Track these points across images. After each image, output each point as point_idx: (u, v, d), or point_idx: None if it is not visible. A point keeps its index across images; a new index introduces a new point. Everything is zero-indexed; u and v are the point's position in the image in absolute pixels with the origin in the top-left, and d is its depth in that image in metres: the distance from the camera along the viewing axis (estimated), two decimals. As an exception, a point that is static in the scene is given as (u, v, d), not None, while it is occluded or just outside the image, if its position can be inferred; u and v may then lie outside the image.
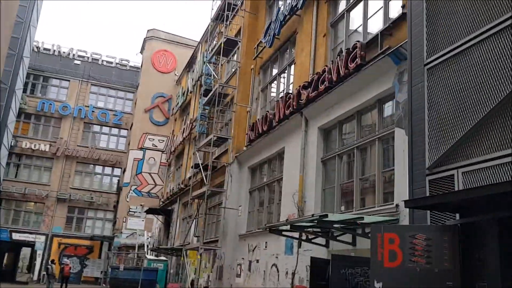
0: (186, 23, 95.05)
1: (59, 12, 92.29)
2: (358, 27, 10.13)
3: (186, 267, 17.44)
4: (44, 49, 36.60)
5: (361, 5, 10.20)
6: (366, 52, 8.83)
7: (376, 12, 9.47)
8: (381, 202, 8.10)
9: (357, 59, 8.82)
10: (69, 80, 36.52)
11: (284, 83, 13.83)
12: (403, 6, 8.26)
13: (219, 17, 18.13)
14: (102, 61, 37.91)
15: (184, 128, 26.47)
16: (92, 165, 35.94)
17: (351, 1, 10.68)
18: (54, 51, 36.78)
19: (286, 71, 13.80)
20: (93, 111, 36.06)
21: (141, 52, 37.16)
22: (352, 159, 9.34)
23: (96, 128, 36.57)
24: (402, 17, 8.18)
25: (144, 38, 36.11)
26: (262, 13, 16.54)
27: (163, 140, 33.52)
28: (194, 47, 33.73)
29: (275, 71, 14.81)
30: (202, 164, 17.04)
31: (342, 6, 11.11)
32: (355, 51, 8.93)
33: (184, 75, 31.90)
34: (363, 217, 7.02)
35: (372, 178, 8.60)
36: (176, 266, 22.50)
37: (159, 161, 33.25)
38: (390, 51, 8.05)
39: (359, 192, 8.87)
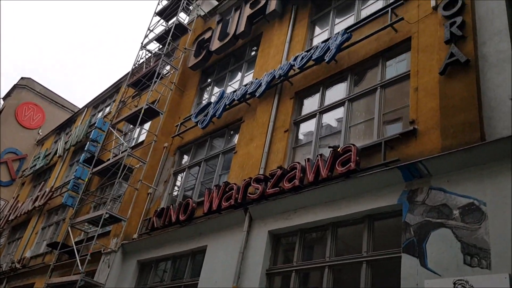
0: (69, 88, 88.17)
1: None
2: (337, 132, 9.20)
3: None
4: None
5: (340, 110, 9.43)
6: (360, 158, 7.75)
7: (368, 120, 8.69)
8: None
9: (350, 164, 7.65)
10: None
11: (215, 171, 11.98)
12: (412, 121, 7.57)
13: (139, 84, 16.07)
14: (-49, 93, 31.59)
15: (38, 196, 21.96)
16: None
17: (325, 104, 9.90)
18: None
19: (219, 159, 12.09)
20: None
21: (4, 98, 32.02)
22: (318, 278, 7.66)
23: None
24: (411, 132, 7.43)
25: (15, 84, 31.40)
26: (191, 93, 15.05)
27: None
28: (72, 111, 30.35)
29: (200, 156, 12.96)
30: (73, 244, 13.45)
31: (312, 105, 10.25)
32: (348, 154, 7.79)
33: (51, 137, 27.80)
34: None
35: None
36: None
37: (-14, 227, 26.79)
38: (400, 164, 7.07)
39: (327, 324, 7.08)
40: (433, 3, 8.31)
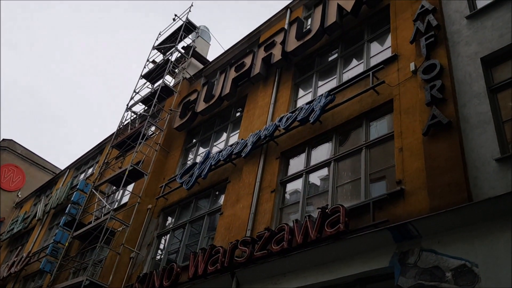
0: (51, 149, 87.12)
1: None
2: (324, 192, 9.18)
3: None
4: None
5: (326, 170, 9.47)
6: (349, 219, 7.68)
7: (354, 180, 8.71)
8: None
9: (339, 225, 7.56)
10: None
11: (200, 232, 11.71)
12: (398, 181, 7.61)
13: (124, 146, 16.01)
14: None
15: (14, 261, 21.07)
16: None
17: (311, 163, 9.95)
18: None
19: (204, 221, 11.86)
20: None
21: (-16, 159, 31.49)
22: None
23: None
24: (399, 193, 7.45)
25: (-4, 146, 31.02)
26: (176, 153, 15.01)
27: (-27, 271, 26.20)
28: (54, 173, 29.87)
29: (184, 218, 12.71)
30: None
31: (298, 165, 10.27)
32: (337, 215, 7.73)
33: (30, 200, 27.10)
34: None
35: None
36: None
37: (-44, 296, 25.36)
38: (390, 225, 7.01)
39: None
40: (412, 67, 8.63)
